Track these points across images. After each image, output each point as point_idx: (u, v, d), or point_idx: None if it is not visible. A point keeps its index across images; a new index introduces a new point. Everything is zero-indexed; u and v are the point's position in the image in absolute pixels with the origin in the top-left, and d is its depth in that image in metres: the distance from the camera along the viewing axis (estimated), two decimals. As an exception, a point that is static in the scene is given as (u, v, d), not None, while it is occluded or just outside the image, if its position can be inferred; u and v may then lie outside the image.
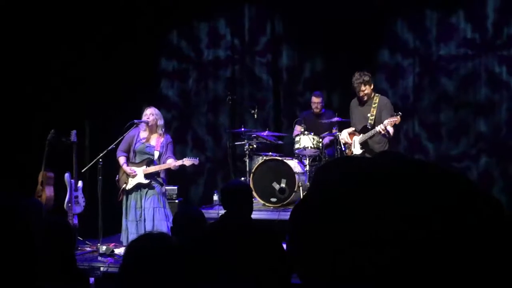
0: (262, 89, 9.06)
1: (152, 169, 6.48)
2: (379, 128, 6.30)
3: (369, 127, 6.54)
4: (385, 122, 6.26)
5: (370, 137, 6.54)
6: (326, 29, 8.41)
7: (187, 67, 9.22)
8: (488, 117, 8.11)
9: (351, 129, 6.85)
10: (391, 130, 6.28)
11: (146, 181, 6.49)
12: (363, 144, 6.63)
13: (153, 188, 6.53)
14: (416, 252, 0.74)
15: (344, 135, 6.83)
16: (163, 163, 6.54)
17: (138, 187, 6.53)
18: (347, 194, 0.80)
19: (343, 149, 6.93)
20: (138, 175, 6.50)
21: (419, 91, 8.40)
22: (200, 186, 9.15)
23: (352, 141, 6.75)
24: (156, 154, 6.55)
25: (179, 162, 6.44)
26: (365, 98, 6.63)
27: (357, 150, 6.69)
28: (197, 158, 6.62)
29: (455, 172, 0.82)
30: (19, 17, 7.74)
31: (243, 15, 9.07)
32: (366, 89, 6.55)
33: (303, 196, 0.90)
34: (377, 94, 6.72)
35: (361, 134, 6.64)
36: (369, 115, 6.57)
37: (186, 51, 9.22)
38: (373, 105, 6.58)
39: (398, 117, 6.26)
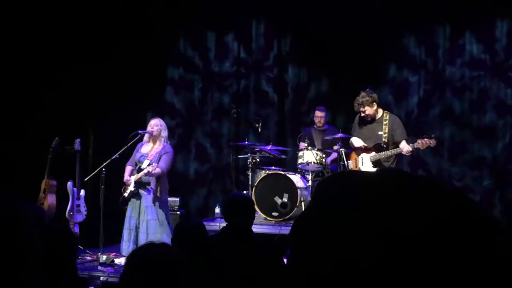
0: (267, 103, 9.07)
1: (136, 177, 6.47)
2: (407, 149, 6.20)
3: (384, 146, 6.42)
4: (418, 144, 6.18)
5: (388, 156, 6.40)
6: (332, 46, 8.42)
7: (193, 77, 9.22)
8: (491, 138, 8.11)
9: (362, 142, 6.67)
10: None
11: (133, 189, 6.50)
12: (376, 163, 6.49)
13: (142, 199, 6.52)
14: (417, 266, 0.75)
15: (357, 142, 6.59)
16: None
17: (133, 196, 6.56)
18: (351, 206, 0.80)
19: (346, 164, 6.87)
20: (131, 183, 6.52)
21: (424, 107, 8.42)
22: (202, 198, 9.14)
23: (358, 157, 6.68)
24: (146, 162, 6.49)
25: (145, 171, 6.31)
26: (368, 118, 6.53)
27: (368, 167, 6.51)
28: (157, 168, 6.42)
29: (459, 191, 0.83)
30: (27, 24, 7.79)
31: (251, 30, 9.10)
32: (367, 110, 6.43)
33: (305, 209, 0.90)
34: (386, 112, 6.62)
35: (373, 152, 6.50)
36: (381, 133, 6.44)
37: (193, 61, 9.21)
38: (384, 123, 6.46)
39: (433, 140, 6.21)
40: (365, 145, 6.58)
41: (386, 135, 6.43)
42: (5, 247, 1.64)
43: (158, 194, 6.54)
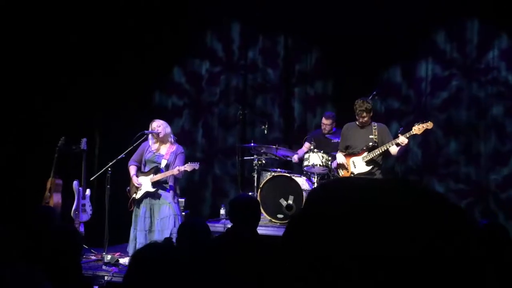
0: (274, 105, 9.05)
1: (158, 176, 6.49)
2: (403, 139, 6.34)
3: (376, 145, 6.64)
4: (415, 129, 6.34)
5: (379, 153, 6.61)
6: (345, 52, 8.42)
7: (200, 80, 9.21)
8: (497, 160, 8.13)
9: (342, 153, 6.90)
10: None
11: (153, 190, 6.50)
12: (370, 161, 6.67)
13: (162, 198, 6.53)
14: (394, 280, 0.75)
15: (341, 159, 6.84)
16: None
17: (147, 196, 6.54)
18: (345, 211, 0.81)
19: (334, 173, 7.00)
20: (146, 184, 6.51)
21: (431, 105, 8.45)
22: (207, 199, 9.13)
23: (349, 162, 6.77)
24: (164, 162, 6.55)
25: (182, 168, 6.42)
26: (365, 124, 6.73)
27: (361, 168, 6.70)
28: (198, 163, 6.59)
29: (456, 206, 0.83)
30: (32, 22, 7.81)
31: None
32: (367, 117, 6.66)
33: (299, 211, 0.91)
34: (373, 122, 6.80)
35: (365, 153, 6.67)
36: (371, 136, 6.68)
37: (205, 58, 9.18)
38: (374, 128, 6.70)
39: (430, 122, 6.35)
40: (346, 162, 6.80)
41: (376, 137, 6.65)
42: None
43: (177, 191, 6.72)
